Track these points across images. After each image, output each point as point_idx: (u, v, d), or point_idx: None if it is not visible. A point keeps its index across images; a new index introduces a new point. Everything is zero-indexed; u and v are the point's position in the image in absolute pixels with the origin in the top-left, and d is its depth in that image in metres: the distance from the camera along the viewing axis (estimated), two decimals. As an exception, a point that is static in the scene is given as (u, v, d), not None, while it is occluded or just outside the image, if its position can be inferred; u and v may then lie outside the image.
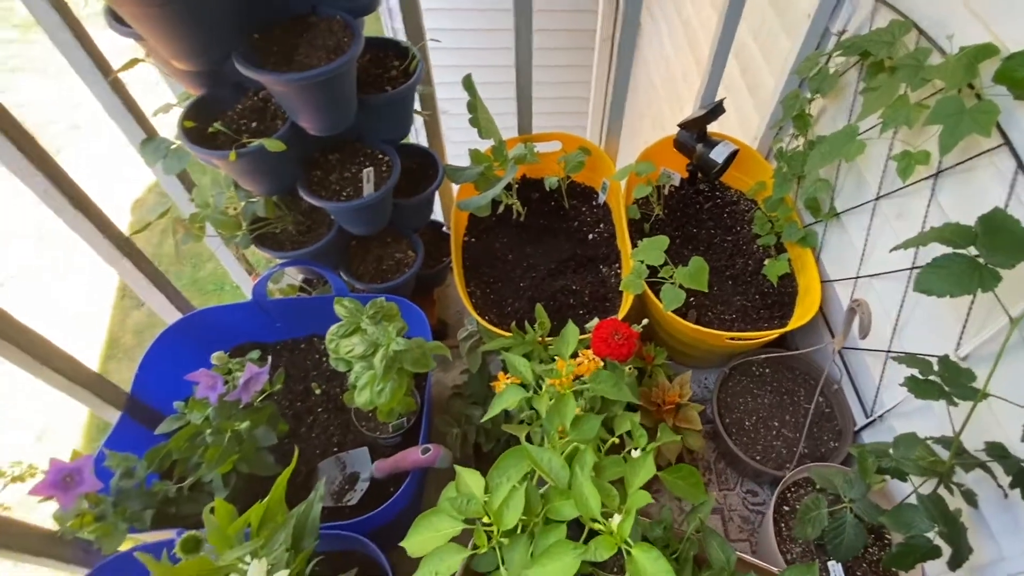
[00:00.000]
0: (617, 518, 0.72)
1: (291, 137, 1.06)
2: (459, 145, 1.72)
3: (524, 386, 1.00)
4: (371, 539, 1.05)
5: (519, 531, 0.80)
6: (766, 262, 1.66)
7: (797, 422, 1.54)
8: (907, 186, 1.31)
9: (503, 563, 0.73)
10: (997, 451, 1.03)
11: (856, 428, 1.52)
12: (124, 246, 1.22)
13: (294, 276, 1.48)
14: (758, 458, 1.48)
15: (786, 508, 1.40)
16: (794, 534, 1.31)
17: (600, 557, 0.69)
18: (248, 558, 0.74)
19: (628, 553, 0.69)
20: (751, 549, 1.52)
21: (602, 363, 1.26)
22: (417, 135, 2.02)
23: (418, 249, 1.40)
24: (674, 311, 1.54)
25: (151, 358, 1.19)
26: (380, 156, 1.23)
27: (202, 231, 1.14)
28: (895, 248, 1.17)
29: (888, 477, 1.37)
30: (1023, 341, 1.05)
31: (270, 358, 1.07)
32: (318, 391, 1.33)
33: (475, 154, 1.41)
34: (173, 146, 1.14)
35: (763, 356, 1.58)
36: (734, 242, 1.74)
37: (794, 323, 1.53)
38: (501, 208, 1.57)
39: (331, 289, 1.29)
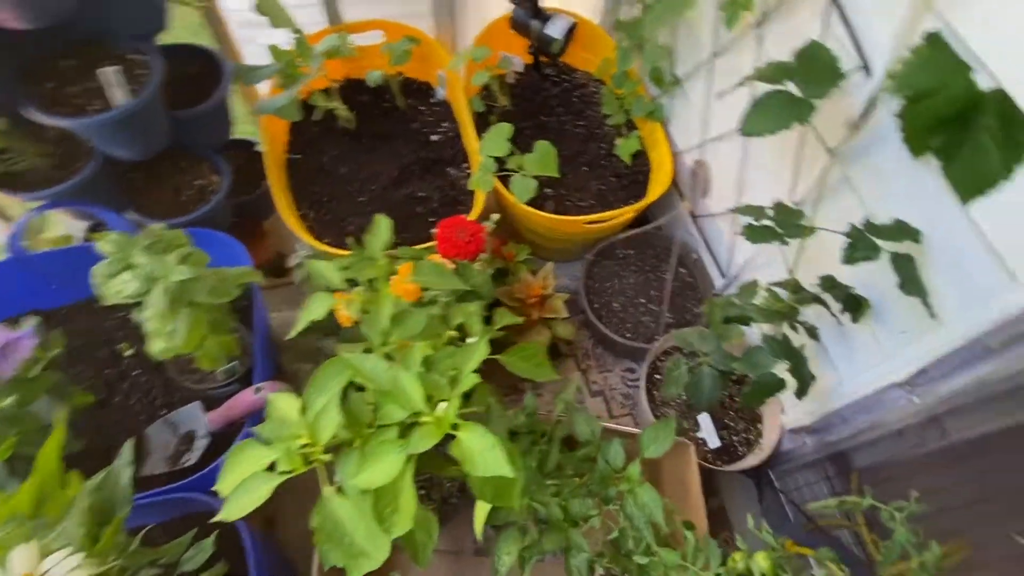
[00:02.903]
0: (444, 405, 0.65)
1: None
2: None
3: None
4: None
5: (353, 445, 0.72)
6: (617, 141, 1.61)
7: (663, 296, 1.57)
8: (736, 39, 1.28)
9: (330, 481, 0.65)
10: (828, 283, 1.07)
11: (716, 292, 1.57)
12: None
13: (75, 225, 1.23)
14: (629, 336, 1.50)
15: (657, 377, 1.45)
16: (662, 396, 1.36)
17: (423, 447, 0.63)
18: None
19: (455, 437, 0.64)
20: (634, 422, 1.58)
21: (452, 266, 1.17)
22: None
23: (223, 172, 1.20)
24: (531, 203, 1.47)
25: None
26: (133, 57, 1.00)
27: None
28: (722, 93, 1.15)
29: (744, 331, 1.45)
30: (842, 175, 1.08)
31: (30, 324, 0.86)
32: (128, 352, 1.15)
33: (274, 50, 1.20)
34: None
35: (623, 236, 1.57)
36: (586, 126, 1.67)
37: (648, 198, 1.51)
38: (319, 115, 1.38)
39: (121, 233, 1.08)
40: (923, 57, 0.82)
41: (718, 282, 1.56)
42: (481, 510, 0.82)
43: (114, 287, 0.78)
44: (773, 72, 0.96)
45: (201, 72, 1.18)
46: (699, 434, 1.37)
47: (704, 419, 1.34)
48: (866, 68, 0.97)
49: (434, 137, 1.53)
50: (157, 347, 0.83)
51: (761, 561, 0.88)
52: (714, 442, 1.33)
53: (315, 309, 0.78)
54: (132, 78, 0.95)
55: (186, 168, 1.22)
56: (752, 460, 1.35)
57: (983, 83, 0.77)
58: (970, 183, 0.82)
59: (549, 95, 1.69)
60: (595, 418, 0.98)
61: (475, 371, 0.72)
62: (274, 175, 1.25)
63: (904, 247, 0.93)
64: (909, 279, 0.88)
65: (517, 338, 1.38)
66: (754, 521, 0.95)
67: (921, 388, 1.02)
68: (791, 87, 0.93)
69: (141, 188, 1.18)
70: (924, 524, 1.20)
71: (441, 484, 1.23)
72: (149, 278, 0.78)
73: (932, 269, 0.93)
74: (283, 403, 0.71)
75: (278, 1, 1.13)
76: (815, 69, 0.93)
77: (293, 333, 0.80)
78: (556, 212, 1.50)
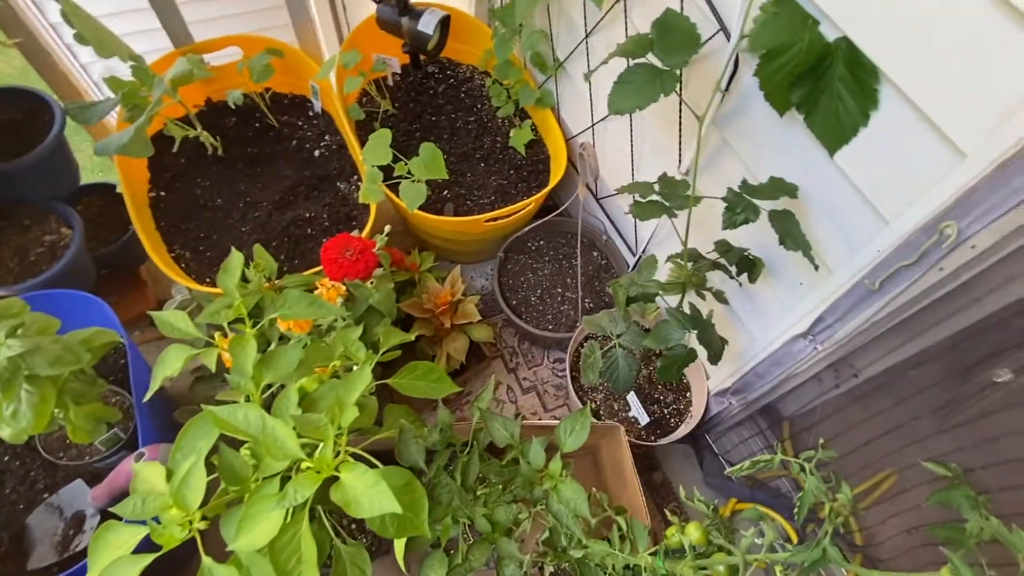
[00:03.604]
0: (321, 448, 0.60)
1: None
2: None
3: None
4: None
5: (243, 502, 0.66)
6: (511, 133, 1.59)
7: (578, 283, 1.56)
8: (605, 15, 1.27)
9: (204, 550, 0.59)
10: (723, 247, 1.09)
11: (630, 270, 1.57)
12: None
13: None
14: (551, 327, 1.48)
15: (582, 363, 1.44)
16: (582, 383, 1.34)
17: (300, 498, 0.58)
18: None
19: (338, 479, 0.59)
20: (569, 412, 1.57)
21: (344, 288, 1.11)
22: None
23: (74, 223, 1.09)
24: (430, 207, 1.42)
25: None
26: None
27: None
28: (588, 75, 1.14)
29: (658, 305, 1.46)
30: (722, 141, 1.09)
31: None
32: (-9, 438, 1.02)
33: (112, 81, 1.09)
34: None
35: (531, 228, 1.55)
36: (478, 121, 1.63)
37: (547, 188, 1.50)
38: (179, 145, 1.27)
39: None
40: (771, 14, 0.83)
41: (630, 260, 1.57)
42: (399, 544, 0.78)
43: (-69, 376, 0.68)
44: (633, 46, 0.95)
45: (29, 117, 1.06)
46: (630, 413, 1.37)
47: (632, 398, 1.34)
48: (724, 31, 0.98)
49: (316, 152, 1.45)
50: (5, 433, 0.73)
51: (692, 533, 0.88)
52: (644, 419, 1.34)
53: (169, 364, 0.71)
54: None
55: (31, 224, 1.09)
56: (683, 430, 1.37)
57: (829, 34, 0.79)
58: (833, 133, 0.84)
59: (435, 93, 1.64)
60: (512, 419, 0.95)
61: (374, 395, 0.67)
62: (138, 217, 1.14)
63: (782, 203, 0.95)
64: (788, 234, 0.89)
65: (434, 350, 1.33)
66: (694, 488, 0.95)
67: (821, 335, 1.05)
68: (653, 59, 0.92)
69: (-23, 254, 1.05)
70: (854, 458, 1.25)
71: (374, 514, 1.17)
72: (-27, 359, 0.68)
73: (813, 220, 0.95)
74: (149, 473, 0.64)
75: (102, 27, 1.03)
76: (673, 38, 0.92)
77: (148, 395, 0.73)
78: (457, 213, 1.46)
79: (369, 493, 0.57)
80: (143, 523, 0.61)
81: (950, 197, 0.74)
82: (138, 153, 1.01)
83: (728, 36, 0.98)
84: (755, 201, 0.92)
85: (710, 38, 0.99)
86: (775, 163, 0.98)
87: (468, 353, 1.36)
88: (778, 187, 0.95)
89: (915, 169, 0.78)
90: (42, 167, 1.03)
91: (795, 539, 1.41)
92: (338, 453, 0.62)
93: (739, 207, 0.90)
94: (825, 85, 0.83)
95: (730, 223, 0.90)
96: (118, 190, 1.30)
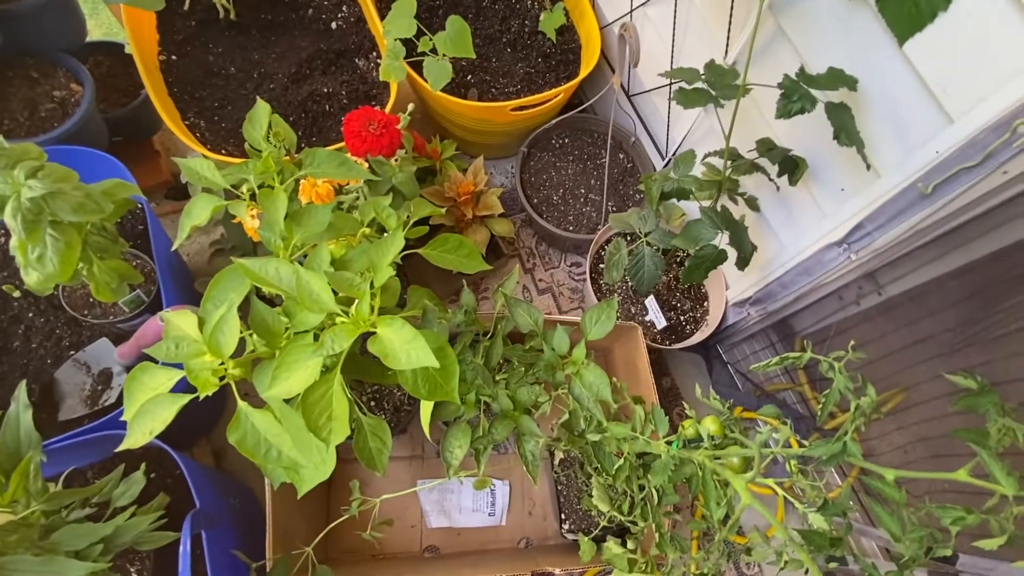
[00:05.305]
0: (357, 303, 0.59)
1: None
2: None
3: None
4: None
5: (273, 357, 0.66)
6: (542, 16, 1.47)
7: (602, 184, 1.51)
8: None
9: (240, 395, 0.60)
10: (765, 146, 1.03)
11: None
12: None
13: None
14: (571, 228, 1.45)
15: (603, 267, 1.42)
16: (606, 283, 1.33)
17: (339, 347, 0.57)
18: None
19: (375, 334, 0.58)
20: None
21: (366, 164, 1.07)
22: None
23: (84, 79, 1.03)
24: (452, 93, 1.34)
25: None
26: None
27: None
28: None
29: (684, 211, 1.42)
30: (776, 29, 1.01)
31: None
32: (16, 294, 1.02)
33: (117, -78, 0.99)
34: None
35: (556, 122, 1.47)
36: (506, 2, 1.52)
37: (578, 77, 1.41)
38: (188, 3, 1.17)
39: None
40: None
41: (657, 163, 1.51)
42: (425, 408, 0.79)
43: (-48, 214, 0.66)
44: (699, -96, 0.85)
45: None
46: (647, 317, 1.37)
47: (650, 302, 1.34)
48: None
49: (334, 24, 1.35)
50: (31, 279, 0.72)
51: (709, 424, 0.89)
52: (661, 323, 1.34)
53: (196, 214, 0.69)
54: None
55: (39, 78, 1.03)
56: (699, 336, 1.37)
57: (921, -103, 0.70)
58: (907, 18, 0.76)
59: (464, -32, 1.51)
60: (535, 307, 0.95)
61: (404, 273, 0.65)
62: (150, 81, 1.08)
63: (839, 96, 0.89)
64: (843, 129, 0.84)
65: (454, 240, 1.31)
66: (704, 392, 0.96)
67: (857, 243, 1.02)
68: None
69: (-15, 105, 1.00)
70: (861, 373, 1.26)
71: (392, 394, 1.20)
72: (-5, 199, 0.66)
73: (868, 117, 0.90)
74: (180, 321, 0.64)
75: None
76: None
77: (177, 243, 0.71)
78: (481, 100, 1.38)
79: (407, 347, 0.56)
80: (179, 367, 0.62)
81: (1032, 91, 0.69)
82: (149, 5, 0.94)
83: (803, -100, 0.87)
84: (812, 91, 0.86)
85: (782, -99, 0.88)
86: (834, 53, 0.91)
87: (486, 250, 1.34)
88: (837, 78, 0.88)
89: (993, 61, 0.72)
90: (47, 11, 0.96)
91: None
92: (372, 311, 0.61)
93: (795, 95, 0.84)
94: (906, -39, 0.74)
95: (784, 111, 0.84)
96: (127, 51, 1.23)
